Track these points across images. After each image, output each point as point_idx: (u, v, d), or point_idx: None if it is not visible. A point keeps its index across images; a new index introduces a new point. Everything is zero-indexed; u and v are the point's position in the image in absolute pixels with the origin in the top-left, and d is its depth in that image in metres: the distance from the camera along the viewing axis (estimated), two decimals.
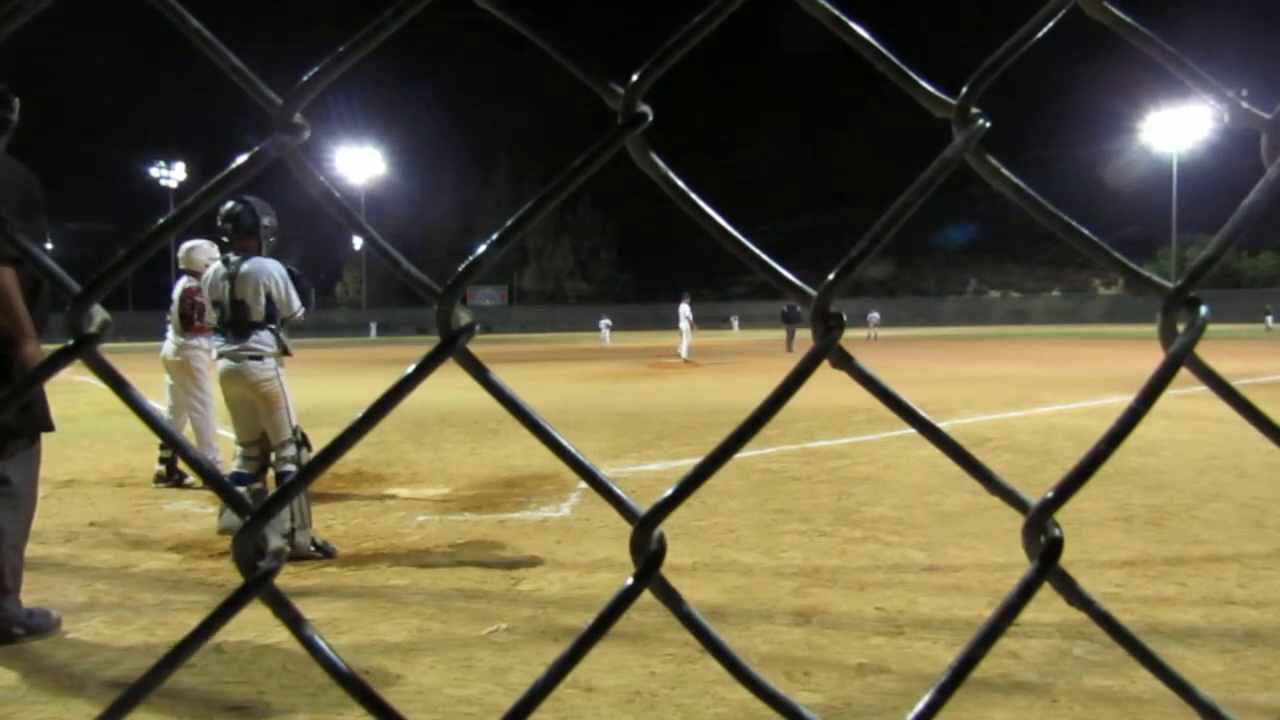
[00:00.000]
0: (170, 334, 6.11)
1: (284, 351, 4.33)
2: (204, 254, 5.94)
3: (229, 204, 4.30)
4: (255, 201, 4.38)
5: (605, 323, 40.25)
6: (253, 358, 4.20)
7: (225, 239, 4.35)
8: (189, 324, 5.99)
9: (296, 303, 4.37)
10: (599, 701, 2.55)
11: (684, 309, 22.46)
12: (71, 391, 11.86)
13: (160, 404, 6.17)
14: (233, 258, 4.30)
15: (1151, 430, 7.29)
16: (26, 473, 3.08)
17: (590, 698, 2.57)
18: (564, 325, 75.61)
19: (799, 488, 5.59)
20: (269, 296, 4.26)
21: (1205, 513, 4.74)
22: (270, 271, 4.29)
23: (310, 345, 37.59)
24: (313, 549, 4.06)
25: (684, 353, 21.96)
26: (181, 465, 5.93)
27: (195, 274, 5.86)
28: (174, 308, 6.06)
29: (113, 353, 0.47)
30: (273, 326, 4.29)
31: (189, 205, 0.49)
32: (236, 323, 4.23)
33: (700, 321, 26.59)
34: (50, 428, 3.09)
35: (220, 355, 4.28)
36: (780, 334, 29.22)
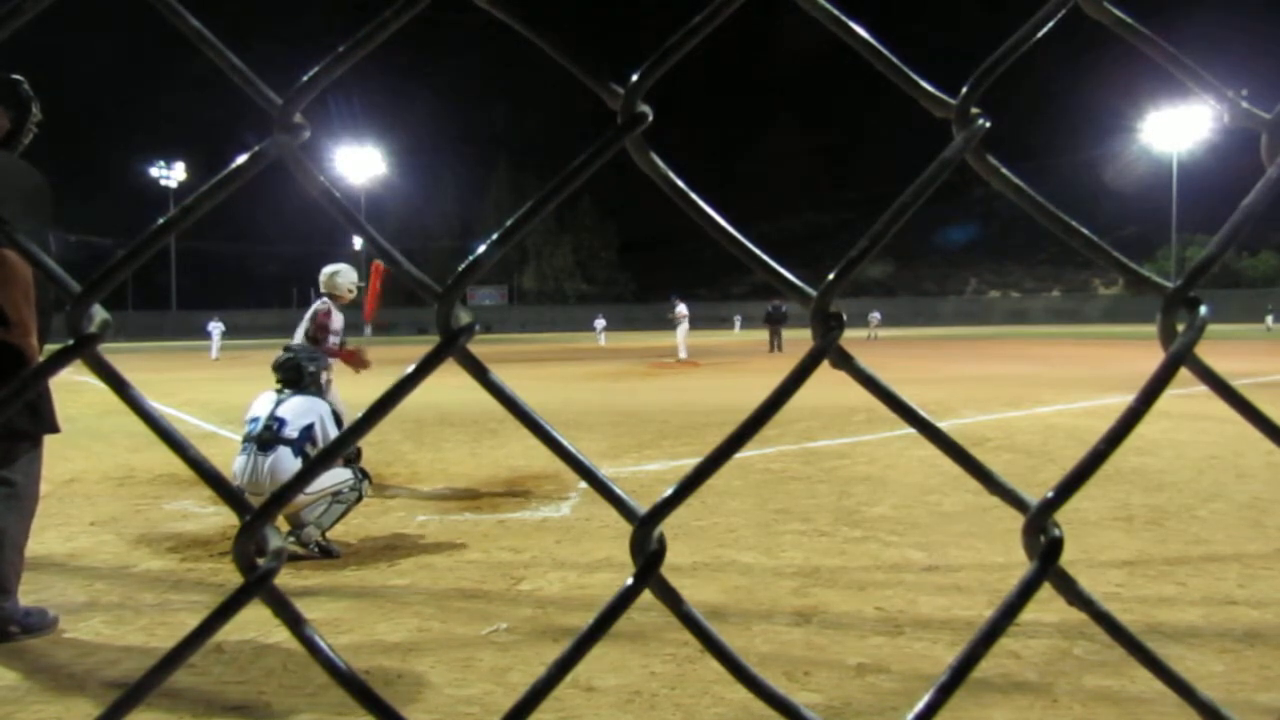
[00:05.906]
0: None
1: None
2: (346, 279, 5.98)
3: (279, 354, 4.56)
4: (300, 350, 4.61)
5: (600, 323, 40.31)
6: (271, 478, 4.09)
7: (279, 386, 4.48)
8: (315, 344, 5.94)
9: (334, 432, 4.36)
10: (599, 701, 2.55)
11: (681, 307, 22.63)
12: (71, 391, 11.86)
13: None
14: (287, 390, 4.42)
15: (1151, 430, 7.29)
16: (31, 474, 3.09)
17: (590, 698, 2.57)
18: (564, 325, 75.57)
19: (799, 488, 5.59)
20: (309, 427, 4.23)
21: (1205, 513, 4.74)
22: (320, 412, 4.33)
23: None
24: (314, 547, 4.07)
25: (683, 353, 22.00)
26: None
27: (335, 298, 5.95)
28: (304, 326, 5.99)
29: (112, 353, 0.47)
30: (300, 454, 4.19)
31: (189, 205, 0.49)
32: (268, 439, 4.16)
33: (700, 321, 26.70)
34: (57, 429, 3.10)
35: (241, 468, 4.16)
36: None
